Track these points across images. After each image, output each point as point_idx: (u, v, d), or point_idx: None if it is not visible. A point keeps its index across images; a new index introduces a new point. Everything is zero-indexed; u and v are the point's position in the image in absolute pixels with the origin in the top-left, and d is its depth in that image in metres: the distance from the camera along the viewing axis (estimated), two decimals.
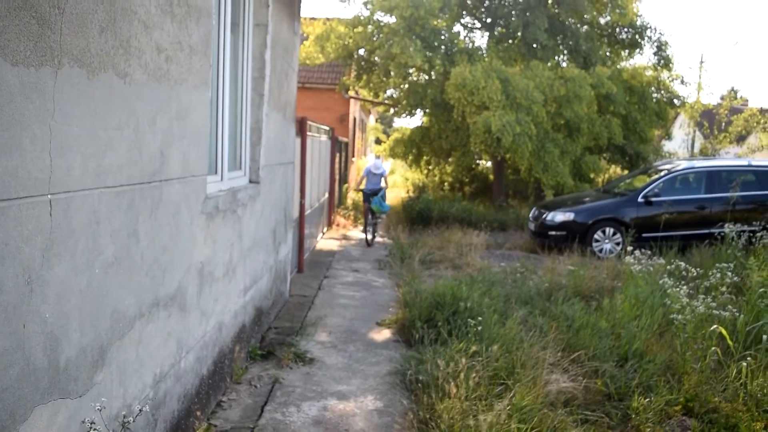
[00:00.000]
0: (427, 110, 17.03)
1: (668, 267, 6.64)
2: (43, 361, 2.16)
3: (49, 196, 2.12)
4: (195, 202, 3.72)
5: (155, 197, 3.08)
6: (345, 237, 13.03)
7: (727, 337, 5.12)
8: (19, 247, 1.98)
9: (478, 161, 20.58)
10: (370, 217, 12.04)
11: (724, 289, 5.69)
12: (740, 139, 25.57)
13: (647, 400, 4.52)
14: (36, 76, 2.02)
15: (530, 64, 15.58)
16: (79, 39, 2.26)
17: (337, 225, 14.44)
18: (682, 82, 19.15)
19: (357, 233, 13.58)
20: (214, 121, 4.48)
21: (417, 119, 18.10)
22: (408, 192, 19.10)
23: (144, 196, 2.94)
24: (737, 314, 5.28)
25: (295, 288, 8.06)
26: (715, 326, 5.07)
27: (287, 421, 4.36)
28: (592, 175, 17.15)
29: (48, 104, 2.09)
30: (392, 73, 16.06)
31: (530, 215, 12.42)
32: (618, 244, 10.80)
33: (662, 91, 18.46)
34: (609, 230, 10.91)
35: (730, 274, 5.95)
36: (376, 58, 16.53)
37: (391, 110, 19.95)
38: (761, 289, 5.77)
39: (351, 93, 18.92)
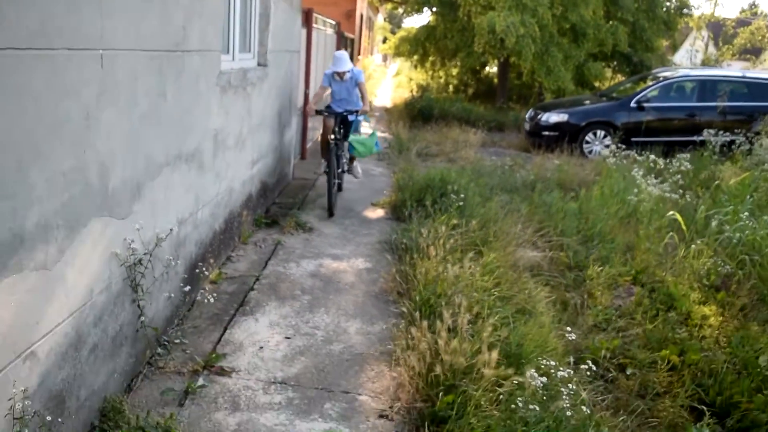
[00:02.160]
0: (434, 9, 17.00)
1: (638, 158, 7.19)
2: (97, 184, 2.75)
3: (101, 51, 2.64)
4: (211, 74, 4.23)
5: (179, 65, 3.59)
6: None
7: (682, 222, 5.74)
8: (78, 89, 2.52)
9: (484, 66, 20.71)
10: (335, 159, 6.77)
11: (678, 176, 6.26)
12: (752, 52, 25.36)
13: (601, 269, 5.19)
14: None
15: None
16: None
17: None
18: None
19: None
20: (226, 6, 4.90)
21: (425, 18, 18.04)
22: (411, 92, 19.35)
23: (170, 63, 3.45)
24: (693, 200, 5.87)
25: (298, 172, 8.64)
26: (672, 212, 5.68)
27: (287, 272, 5.06)
28: (596, 83, 17.33)
29: None
30: None
31: (527, 116, 12.83)
32: (608, 146, 11.26)
33: (673, 0, 18.30)
34: (600, 133, 11.35)
35: (687, 164, 6.51)
36: None
37: (400, 9, 19.87)
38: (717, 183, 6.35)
39: None
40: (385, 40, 36.70)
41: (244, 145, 5.41)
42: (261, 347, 3.85)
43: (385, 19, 44.32)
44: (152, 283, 3.41)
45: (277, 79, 6.57)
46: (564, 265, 5.50)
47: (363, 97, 7.15)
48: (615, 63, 18.50)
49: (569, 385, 3.13)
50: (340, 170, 7.13)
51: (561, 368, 3.20)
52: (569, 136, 11.23)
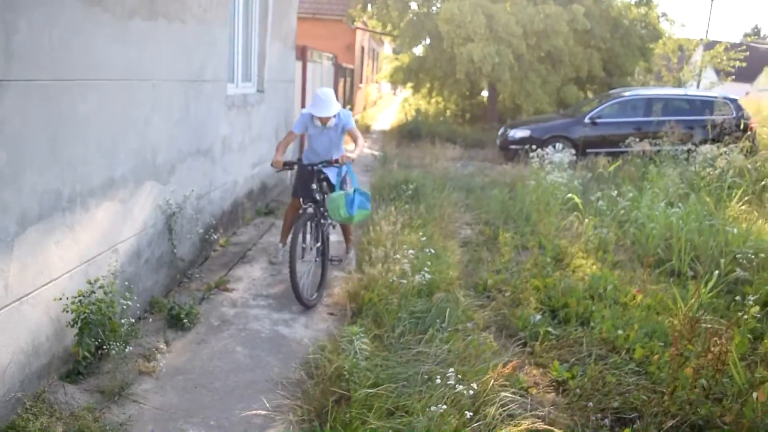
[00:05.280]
0: (425, 42, 18.98)
1: (557, 162, 9.01)
2: (150, 160, 4.60)
3: (152, 81, 4.51)
4: (220, 97, 6.10)
5: (198, 90, 5.46)
6: None
7: (579, 203, 7.49)
8: (141, 102, 4.38)
9: (480, 92, 22.65)
10: (308, 235, 5.47)
11: (566, 167, 8.07)
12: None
13: (510, 236, 6.95)
14: (147, 26, 4.37)
15: (515, 0, 17.41)
16: (172, 5, 4.59)
17: None
18: (666, 18, 20.84)
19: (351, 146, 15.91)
20: (232, 47, 6.80)
21: (420, 50, 19.96)
22: (406, 116, 21.25)
23: (193, 88, 5.32)
24: (579, 185, 7.65)
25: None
26: (570, 194, 7.44)
27: (276, 242, 6.87)
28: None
29: (150, 44, 4.45)
30: (389, 6, 18.01)
31: (498, 133, 14.64)
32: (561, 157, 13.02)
33: (648, 28, 20.14)
34: (559, 145, 13.11)
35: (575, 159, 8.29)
36: None
37: (397, 41, 21.88)
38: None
39: (358, 24, 20.84)
40: None
41: (246, 150, 7.28)
42: (253, 279, 5.67)
43: (393, 51, 46.65)
44: (180, 230, 5.24)
45: (273, 103, 8.46)
46: (486, 236, 7.27)
47: (357, 146, 5.72)
48: (596, 86, 20.33)
49: (449, 288, 4.89)
50: (319, 244, 5.51)
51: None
52: (532, 149, 12.99)
